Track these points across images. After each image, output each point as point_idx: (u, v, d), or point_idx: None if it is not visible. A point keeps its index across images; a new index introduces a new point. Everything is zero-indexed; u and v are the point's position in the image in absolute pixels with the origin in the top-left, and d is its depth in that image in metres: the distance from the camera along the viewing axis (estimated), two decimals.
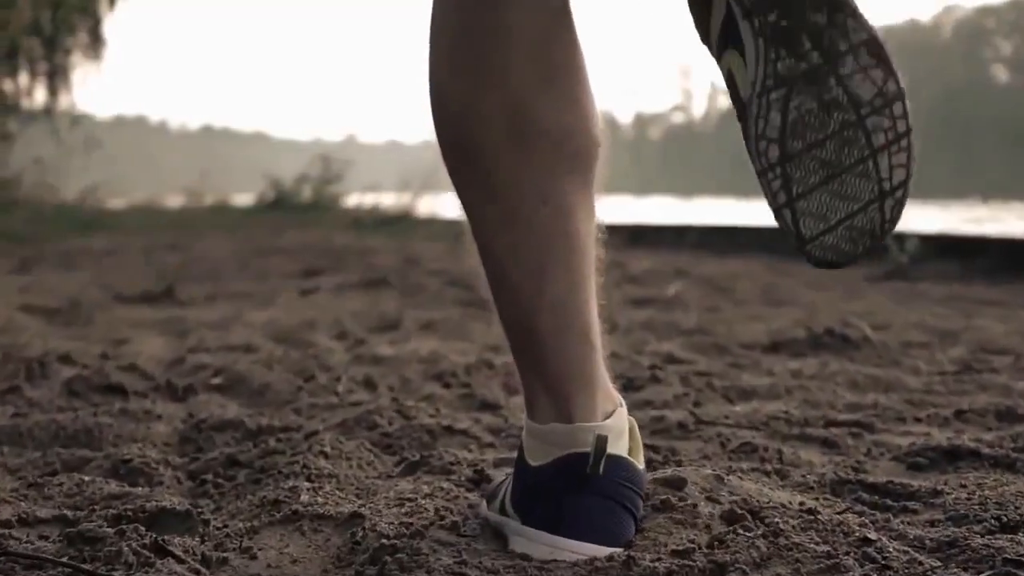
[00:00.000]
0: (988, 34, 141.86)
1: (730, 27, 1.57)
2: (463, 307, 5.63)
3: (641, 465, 1.70)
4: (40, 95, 26.83)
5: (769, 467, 2.12)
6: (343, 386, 2.83)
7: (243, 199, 20.85)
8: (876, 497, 1.94)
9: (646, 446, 2.03)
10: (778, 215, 1.58)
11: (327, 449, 2.09)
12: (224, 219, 16.92)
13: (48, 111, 26.50)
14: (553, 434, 1.65)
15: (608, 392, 1.71)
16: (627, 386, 2.94)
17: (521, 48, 1.61)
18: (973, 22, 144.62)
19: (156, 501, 1.82)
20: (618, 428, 1.67)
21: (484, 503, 1.82)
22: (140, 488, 1.97)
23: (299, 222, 15.53)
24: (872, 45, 1.53)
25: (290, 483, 1.90)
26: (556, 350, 1.68)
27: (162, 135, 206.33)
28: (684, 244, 10.73)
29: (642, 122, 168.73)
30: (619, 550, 1.59)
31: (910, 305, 5.78)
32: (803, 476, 2.07)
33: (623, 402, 1.73)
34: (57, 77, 26.68)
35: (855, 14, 1.54)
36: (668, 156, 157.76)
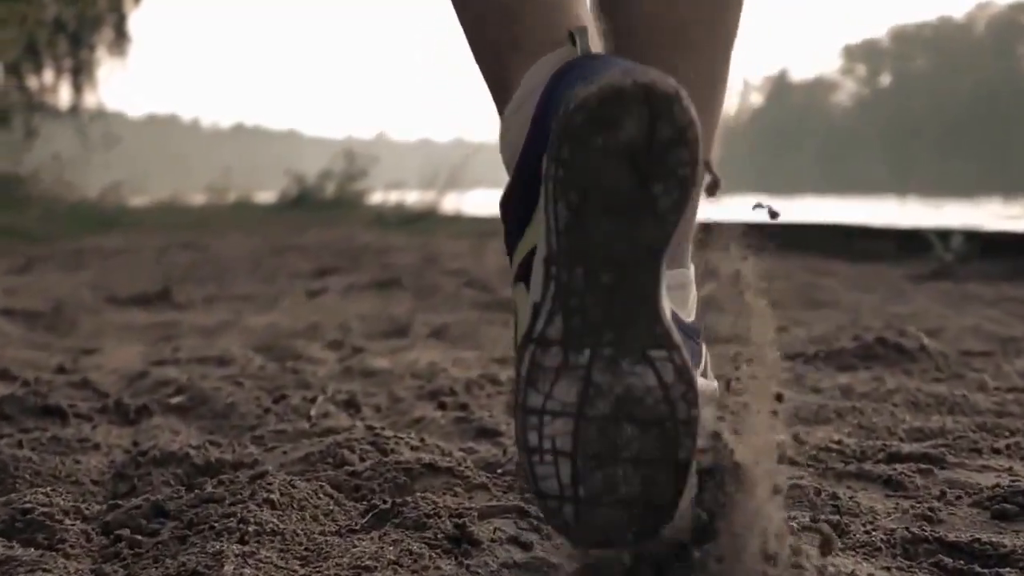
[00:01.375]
0: (1022, 30, 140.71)
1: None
2: (479, 310, 5.24)
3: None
4: (65, 92, 26.75)
5: (822, 517, 1.72)
6: (317, 408, 2.42)
7: (267, 196, 20.58)
8: (961, 562, 1.54)
9: None
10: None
11: (276, 496, 1.68)
12: (245, 217, 16.59)
13: (73, 108, 26.33)
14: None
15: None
16: None
17: None
18: (1007, 18, 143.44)
19: (44, 570, 1.43)
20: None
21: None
22: (31, 550, 1.56)
23: (321, 220, 15.18)
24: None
25: (217, 545, 1.49)
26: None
27: (193, 133, 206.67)
28: (715, 242, 10.30)
29: None
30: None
31: (961, 308, 5.35)
32: (866, 531, 1.66)
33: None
34: (82, 74, 26.52)
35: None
36: None
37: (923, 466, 2.02)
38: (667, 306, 1.45)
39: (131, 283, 6.60)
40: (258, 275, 7.38)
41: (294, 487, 1.73)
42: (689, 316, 1.74)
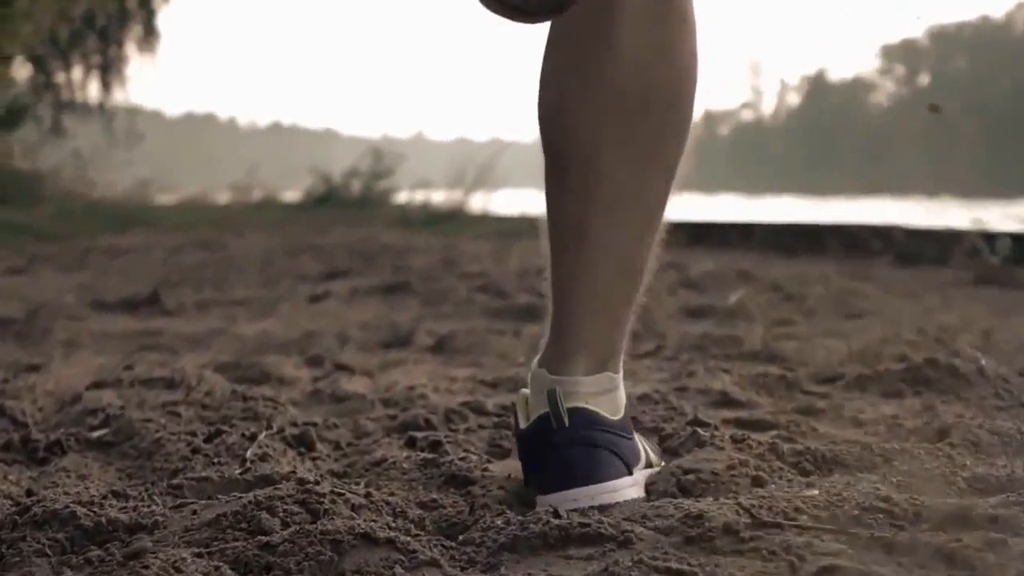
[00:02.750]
0: None
1: None
2: (488, 318, 4.85)
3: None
4: (94, 89, 26.50)
5: None
6: (255, 450, 2.00)
7: (295, 195, 20.26)
8: None
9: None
10: None
11: None
12: (269, 216, 16.24)
13: (101, 105, 26.08)
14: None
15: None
16: (660, 445, 2.13)
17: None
18: None
19: None
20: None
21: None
22: None
23: (346, 219, 14.81)
24: None
25: None
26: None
27: (230, 132, 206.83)
28: (750, 244, 9.88)
29: (711, 119, 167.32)
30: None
31: (1014, 318, 4.92)
32: None
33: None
34: (110, 71, 26.27)
35: None
36: (736, 153, 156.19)
37: (995, 535, 1.60)
38: None
39: (127, 286, 6.23)
40: (264, 277, 7.00)
41: (179, 571, 1.33)
42: (616, 414, 1.83)
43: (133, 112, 26.37)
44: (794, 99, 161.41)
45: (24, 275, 7.17)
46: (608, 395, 1.82)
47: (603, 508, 1.69)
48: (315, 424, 2.28)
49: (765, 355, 3.52)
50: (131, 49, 27.07)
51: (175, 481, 1.85)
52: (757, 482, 1.82)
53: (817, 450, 1.99)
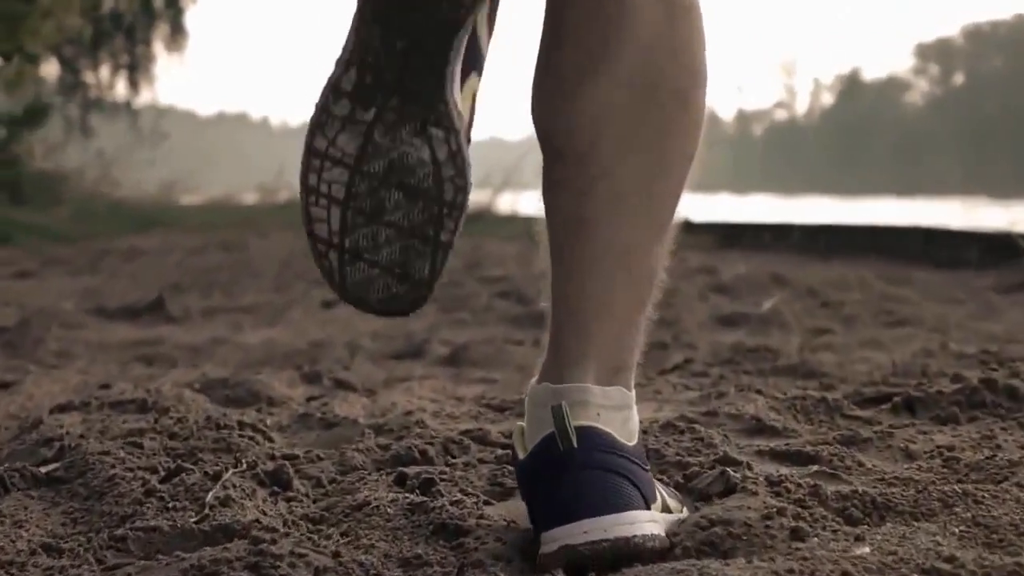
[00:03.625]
0: None
1: None
2: (507, 326, 4.61)
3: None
4: (122, 88, 26.36)
5: None
6: (218, 492, 1.73)
7: None
8: None
9: None
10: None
11: None
12: (294, 216, 16.01)
13: (129, 105, 25.93)
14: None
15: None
16: (684, 485, 1.86)
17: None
18: None
19: None
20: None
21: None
22: None
23: None
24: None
25: None
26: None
27: (262, 131, 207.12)
28: (784, 246, 9.59)
29: (744, 119, 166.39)
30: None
31: None
32: None
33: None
34: (138, 70, 26.12)
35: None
36: (769, 153, 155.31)
37: None
38: (456, 93, 1.51)
39: (134, 290, 6.00)
40: (279, 281, 6.77)
41: None
42: (631, 440, 1.61)
43: (160, 111, 26.22)
44: (828, 98, 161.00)
45: (32, 279, 6.95)
46: (621, 413, 1.61)
47: (617, 547, 1.47)
48: (295, 457, 2.02)
49: (802, 370, 3.25)
50: (159, 48, 26.96)
51: (119, 531, 1.59)
52: (797, 535, 1.54)
53: (865, 493, 1.72)
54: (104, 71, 25.91)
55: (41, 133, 15.49)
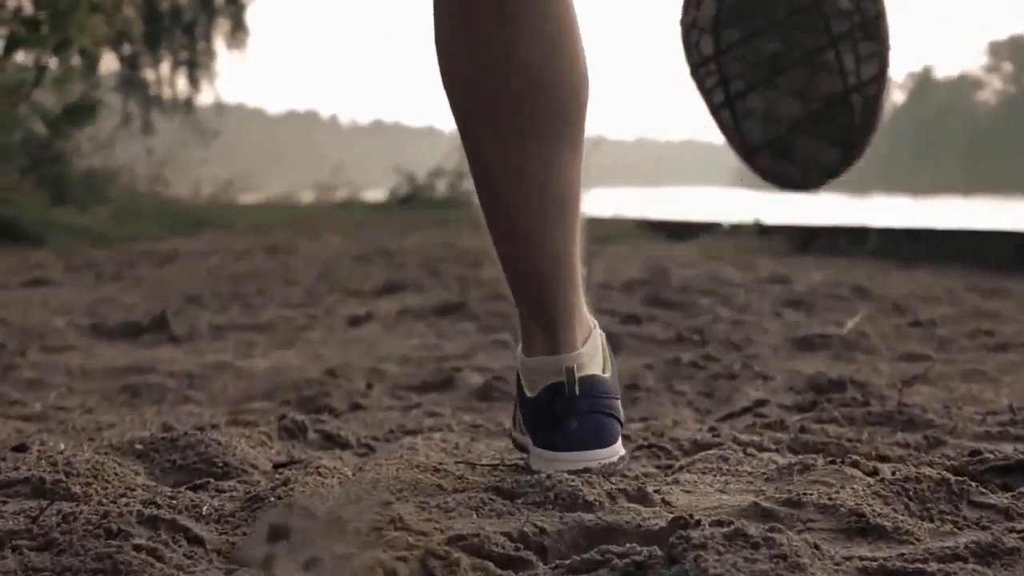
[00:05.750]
0: None
1: None
2: None
3: (609, 373, 1.98)
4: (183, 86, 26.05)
5: None
6: None
7: (379, 195, 19.62)
8: None
9: None
10: (716, 117, 1.44)
11: None
12: (349, 217, 15.52)
13: (189, 102, 25.62)
14: (542, 365, 1.93)
15: (584, 320, 1.97)
16: None
17: (525, 24, 1.75)
18: None
19: None
20: (591, 350, 1.95)
21: (512, 427, 2.15)
22: None
23: (429, 220, 14.05)
24: None
25: None
26: (554, 296, 1.92)
27: (332, 130, 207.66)
28: (861, 251, 8.94)
29: None
30: (616, 446, 1.95)
31: None
32: None
33: (596, 323, 2.00)
34: (198, 67, 25.80)
35: None
36: None
37: None
38: None
39: (150, 302, 5.46)
40: (311, 291, 6.20)
41: None
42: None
43: (219, 108, 25.88)
44: (899, 97, 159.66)
45: (44, 287, 6.42)
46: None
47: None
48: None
49: (901, 418, 2.63)
50: (219, 45, 26.63)
51: None
52: None
53: None
54: (164, 68, 25.60)
55: (94, 131, 15.06)
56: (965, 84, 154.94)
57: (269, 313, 5.10)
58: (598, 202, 14.66)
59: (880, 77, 1.31)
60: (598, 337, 1.98)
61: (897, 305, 5.35)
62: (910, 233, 9.11)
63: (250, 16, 28.83)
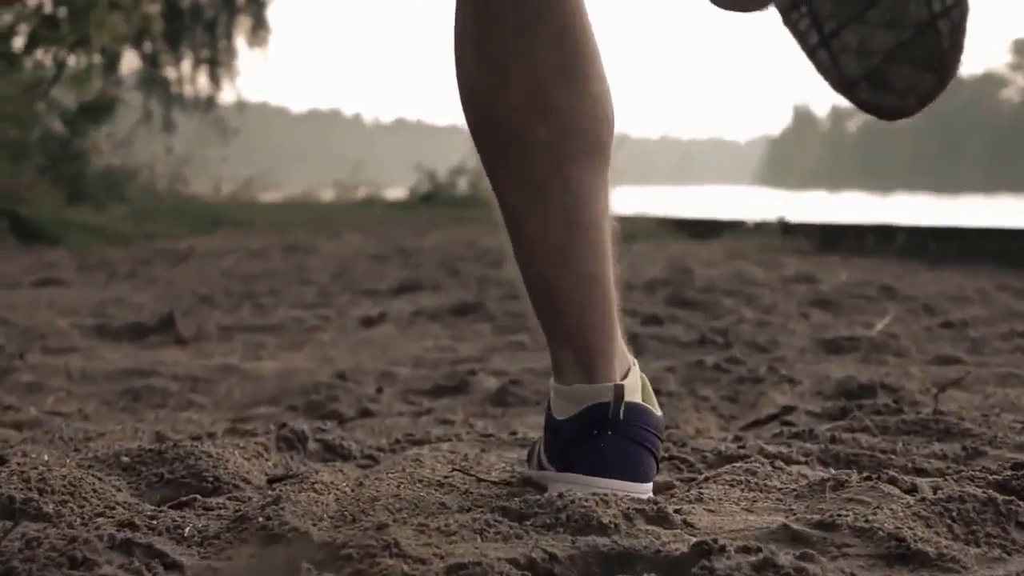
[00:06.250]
0: None
1: None
2: None
3: (657, 412, 1.83)
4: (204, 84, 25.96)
5: None
6: None
7: (401, 193, 19.49)
8: None
9: None
10: (813, 58, 1.43)
11: None
12: (371, 215, 15.38)
13: (211, 100, 25.51)
14: (578, 393, 1.80)
15: (623, 354, 1.85)
16: None
17: (544, 37, 1.73)
18: None
19: None
20: (633, 385, 1.82)
21: (525, 464, 2.01)
22: None
23: (450, 218, 13.90)
24: None
25: None
26: (583, 320, 1.81)
27: (354, 128, 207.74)
28: (888, 250, 8.78)
29: (839, 115, 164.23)
30: (648, 486, 1.79)
31: None
32: None
33: (635, 361, 1.87)
34: (219, 65, 25.70)
35: None
36: (864, 150, 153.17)
37: None
38: None
39: (160, 302, 5.33)
40: (325, 291, 6.07)
41: None
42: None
43: (240, 106, 25.77)
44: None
45: (54, 287, 6.31)
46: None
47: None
48: None
49: (937, 427, 2.48)
50: (240, 43, 26.51)
51: None
52: None
53: None
54: (186, 66, 25.50)
55: (113, 129, 14.96)
56: (990, 82, 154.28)
57: (280, 313, 4.97)
58: (621, 200, 14.49)
59: (963, 6, 1.36)
60: (639, 376, 1.86)
61: (927, 306, 5.20)
62: (938, 232, 8.94)
63: (272, 14, 28.75)
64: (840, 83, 1.43)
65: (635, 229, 10.89)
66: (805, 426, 2.58)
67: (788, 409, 2.84)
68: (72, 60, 14.03)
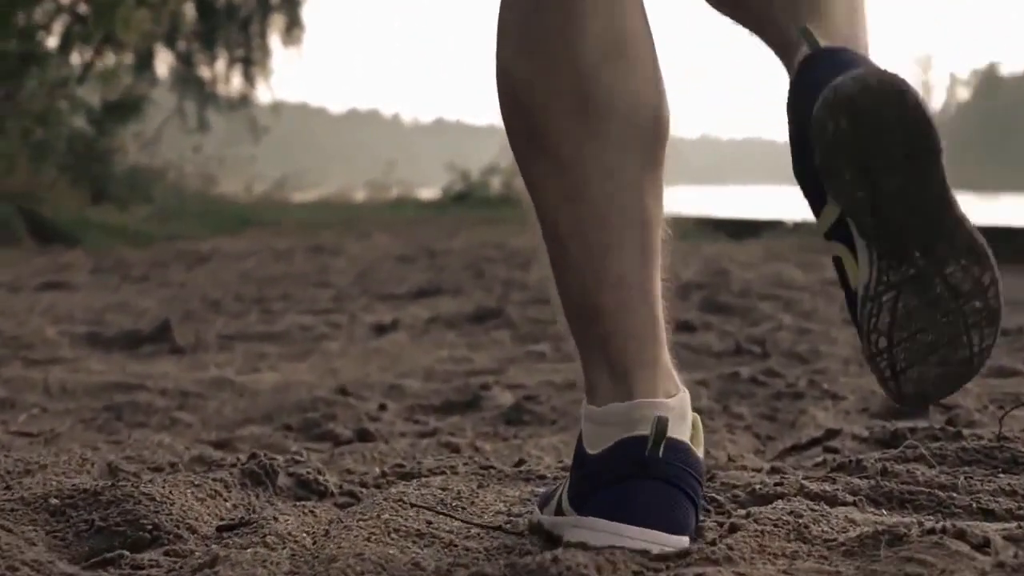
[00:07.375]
0: None
1: (842, 227, 1.54)
2: None
3: (700, 455, 1.62)
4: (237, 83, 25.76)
5: None
6: None
7: (434, 193, 19.26)
8: None
9: None
10: (884, 386, 1.56)
11: None
12: (402, 215, 15.13)
13: (245, 98, 25.31)
14: (611, 415, 1.59)
15: (671, 374, 1.65)
16: None
17: (593, 21, 1.61)
18: None
19: None
20: (680, 410, 1.60)
21: (536, 510, 1.74)
22: None
23: (481, 218, 13.64)
24: (973, 246, 1.57)
25: None
26: (619, 327, 1.62)
27: (393, 128, 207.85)
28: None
29: None
30: (685, 539, 1.53)
31: None
32: None
33: (686, 389, 1.64)
34: (253, 64, 25.51)
35: (961, 221, 1.57)
36: None
37: None
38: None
39: (167, 308, 5.06)
40: (342, 295, 5.79)
41: None
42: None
43: (275, 106, 25.57)
44: (964, 94, 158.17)
45: (61, 290, 6.06)
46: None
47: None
48: None
49: (1003, 457, 2.17)
50: (275, 42, 26.29)
51: None
52: None
53: None
54: (220, 65, 25.31)
55: (142, 127, 14.74)
56: None
57: (288, 320, 4.69)
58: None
59: (991, 345, 1.57)
60: (687, 402, 1.63)
61: None
62: (986, 232, 8.60)
63: (307, 13, 28.61)
64: (896, 396, 1.58)
65: (672, 229, 10.61)
66: (851, 454, 2.27)
67: (832, 433, 2.53)
68: (103, 58, 13.83)
